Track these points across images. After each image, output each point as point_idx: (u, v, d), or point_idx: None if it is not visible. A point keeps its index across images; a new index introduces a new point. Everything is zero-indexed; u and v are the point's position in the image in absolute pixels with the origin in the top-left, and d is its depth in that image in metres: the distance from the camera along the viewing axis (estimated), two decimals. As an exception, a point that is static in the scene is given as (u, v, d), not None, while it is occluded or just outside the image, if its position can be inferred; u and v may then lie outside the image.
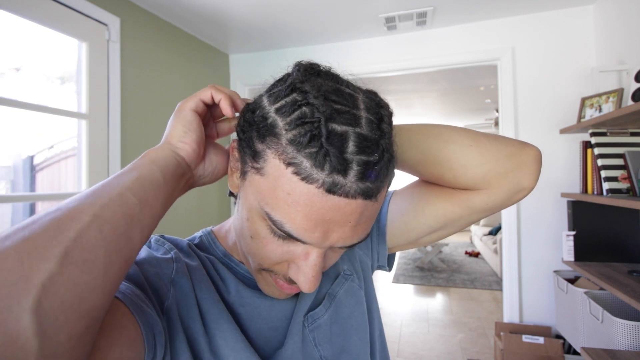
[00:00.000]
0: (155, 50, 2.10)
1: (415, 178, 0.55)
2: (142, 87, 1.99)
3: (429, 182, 0.52)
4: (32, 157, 1.59)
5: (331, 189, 0.32)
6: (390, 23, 2.25)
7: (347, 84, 0.39)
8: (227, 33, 2.41)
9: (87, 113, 1.67)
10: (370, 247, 0.57)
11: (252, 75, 2.78)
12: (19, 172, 1.54)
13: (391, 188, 0.59)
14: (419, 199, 0.52)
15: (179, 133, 0.40)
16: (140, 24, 1.98)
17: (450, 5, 2.07)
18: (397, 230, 0.54)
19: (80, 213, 0.27)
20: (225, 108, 0.43)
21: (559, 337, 2.08)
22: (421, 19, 2.20)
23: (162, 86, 2.13)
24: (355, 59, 2.52)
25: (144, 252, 0.43)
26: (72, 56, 1.67)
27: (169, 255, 0.44)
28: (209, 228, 0.53)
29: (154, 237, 0.47)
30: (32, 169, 1.59)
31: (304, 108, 0.34)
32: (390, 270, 0.60)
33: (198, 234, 0.52)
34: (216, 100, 0.43)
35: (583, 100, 1.90)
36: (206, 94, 0.43)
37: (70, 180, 1.71)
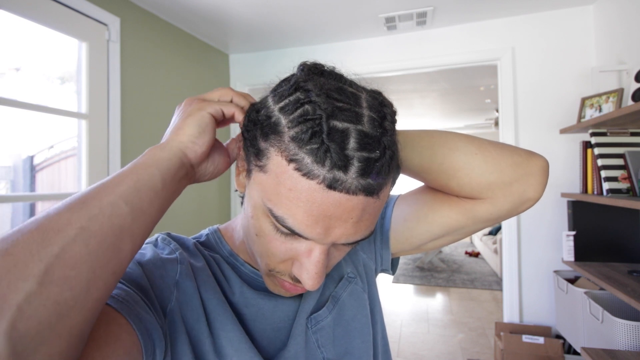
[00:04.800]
0: (155, 50, 2.10)
1: (420, 183, 0.54)
2: (142, 87, 1.99)
3: (434, 189, 0.52)
4: (32, 157, 1.59)
5: (332, 185, 0.32)
6: (390, 23, 2.25)
7: (351, 83, 0.39)
8: (227, 33, 2.41)
9: (87, 113, 1.67)
10: (373, 251, 0.57)
11: (252, 75, 2.78)
12: (19, 172, 1.54)
13: (396, 192, 0.59)
14: (422, 205, 0.52)
15: (193, 132, 0.39)
16: (140, 24, 1.98)
17: (450, 5, 2.07)
18: (401, 235, 0.54)
19: (67, 225, 0.26)
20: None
21: (559, 337, 2.08)
22: (421, 19, 2.20)
23: (162, 86, 2.13)
24: (355, 59, 2.52)
25: (149, 252, 0.43)
26: (72, 56, 1.67)
27: (173, 256, 0.44)
28: (215, 226, 0.52)
29: (160, 235, 0.47)
30: (32, 169, 1.59)
31: (306, 106, 0.34)
32: (393, 274, 0.60)
33: (205, 231, 0.52)
34: (237, 121, 0.42)
35: (583, 100, 1.90)
36: (229, 111, 0.42)
37: (70, 180, 1.71)
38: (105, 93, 1.77)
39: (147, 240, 0.47)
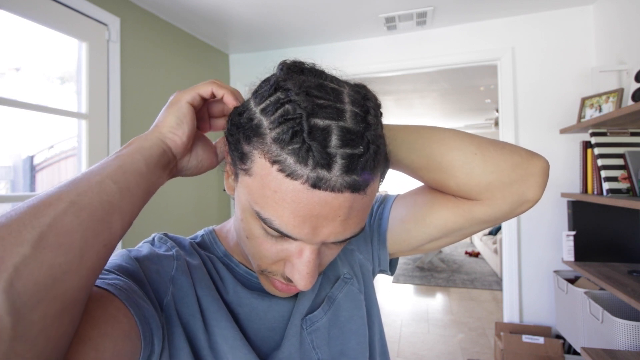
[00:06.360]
0: (155, 50, 2.10)
1: (419, 183, 0.54)
2: (142, 87, 1.99)
3: (433, 189, 0.51)
4: (32, 157, 1.59)
5: (316, 184, 0.32)
6: (390, 23, 2.25)
7: (332, 79, 0.39)
8: (227, 33, 2.41)
9: (87, 113, 1.67)
10: (371, 252, 0.57)
11: (252, 75, 2.75)
12: (19, 172, 1.54)
13: (394, 192, 0.58)
14: (420, 206, 0.51)
15: (171, 123, 0.41)
16: (140, 24, 1.98)
17: (450, 5, 2.07)
18: (398, 236, 0.54)
19: (57, 200, 0.28)
20: (231, 102, 0.43)
21: (559, 337, 2.08)
22: (421, 19, 2.20)
23: (162, 86, 2.13)
24: (355, 59, 2.52)
25: (146, 249, 0.44)
26: (72, 56, 1.67)
27: (170, 253, 0.44)
28: (210, 227, 0.53)
29: (157, 235, 0.47)
30: (32, 169, 1.59)
31: (286, 105, 0.34)
32: (392, 274, 0.60)
33: (200, 232, 0.52)
34: (218, 96, 0.43)
35: (583, 100, 1.90)
36: (205, 90, 0.42)
37: (70, 180, 1.71)
38: (105, 93, 1.77)
39: (144, 240, 0.47)
